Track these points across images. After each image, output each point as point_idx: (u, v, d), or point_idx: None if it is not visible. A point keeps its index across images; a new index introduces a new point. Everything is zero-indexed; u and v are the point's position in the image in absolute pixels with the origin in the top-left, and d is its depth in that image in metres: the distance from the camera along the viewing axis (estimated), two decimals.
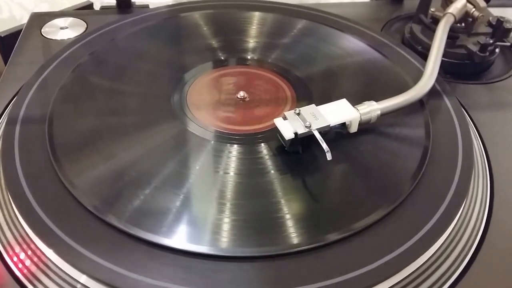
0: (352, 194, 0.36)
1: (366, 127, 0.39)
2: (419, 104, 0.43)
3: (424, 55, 0.48)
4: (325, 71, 0.47)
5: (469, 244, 0.35)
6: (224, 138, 0.39)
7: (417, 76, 0.44)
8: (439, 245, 0.34)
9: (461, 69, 0.50)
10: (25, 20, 0.57)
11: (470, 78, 0.50)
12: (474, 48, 0.49)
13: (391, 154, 0.39)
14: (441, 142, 0.40)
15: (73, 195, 0.34)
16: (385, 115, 0.40)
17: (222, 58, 0.48)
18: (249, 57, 0.48)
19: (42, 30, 0.55)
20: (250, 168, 0.37)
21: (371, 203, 0.34)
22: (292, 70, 0.46)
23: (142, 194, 0.34)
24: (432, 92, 0.43)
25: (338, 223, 0.33)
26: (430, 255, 0.33)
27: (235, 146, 0.39)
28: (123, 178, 0.36)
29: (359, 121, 0.39)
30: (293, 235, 0.32)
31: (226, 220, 0.33)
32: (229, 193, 0.35)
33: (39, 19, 0.56)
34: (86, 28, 0.55)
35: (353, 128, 0.39)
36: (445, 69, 0.50)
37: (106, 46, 0.48)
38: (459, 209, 0.35)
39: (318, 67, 0.47)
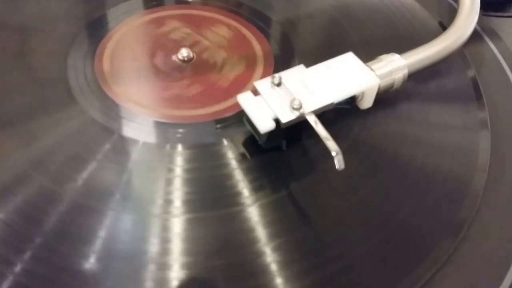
0: (373, 235, 0.24)
1: (384, 97, 0.29)
2: (458, 55, 0.32)
3: None
4: (315, 11, 0.37)
5: None
6: (161, 132, 0.27)
7: (445, 11, 0.36)
8: None
9: None
10: None
11: (501, 8, 0.40)
12: None
13: (433, 147, 0.28)
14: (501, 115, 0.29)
15: None
16: (413, 76, 0.29)
17: None
18: None
19: None
20: (205, 191, 0.25)
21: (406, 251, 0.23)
22: (263, 11, 0.36)
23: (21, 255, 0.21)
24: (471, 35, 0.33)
25: None
26: None
27: (179, 148, 0.26)
28: None
29: (377, 90, 0.28)
30: None
31: None
32: (175, 248, 0.22)
33: None
34: None
35: (367, 102, 0.28)
36: None
37: None
38: None
39: (303, 5, 0.37)
